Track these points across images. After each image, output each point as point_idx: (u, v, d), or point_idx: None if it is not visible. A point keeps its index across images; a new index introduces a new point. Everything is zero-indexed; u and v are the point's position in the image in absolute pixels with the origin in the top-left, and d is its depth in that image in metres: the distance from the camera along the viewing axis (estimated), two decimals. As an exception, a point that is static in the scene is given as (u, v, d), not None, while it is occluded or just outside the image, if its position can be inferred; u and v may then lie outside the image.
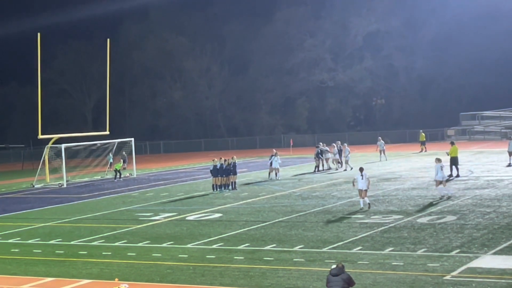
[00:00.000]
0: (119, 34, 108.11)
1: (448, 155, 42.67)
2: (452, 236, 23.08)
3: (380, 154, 57.89)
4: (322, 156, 51.59)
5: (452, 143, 43.24)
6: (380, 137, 61.04)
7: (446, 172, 35.52)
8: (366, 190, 30.18)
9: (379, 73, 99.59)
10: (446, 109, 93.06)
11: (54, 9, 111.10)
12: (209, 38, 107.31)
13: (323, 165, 51.69)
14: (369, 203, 30.36)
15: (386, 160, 56.49)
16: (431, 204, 30.25)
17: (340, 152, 52.47)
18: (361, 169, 30.58)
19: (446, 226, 24.83)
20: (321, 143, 53.48)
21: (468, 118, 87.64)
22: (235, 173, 41.66)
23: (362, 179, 29.97)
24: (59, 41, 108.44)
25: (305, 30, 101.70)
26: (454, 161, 41.81)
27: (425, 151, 64.51)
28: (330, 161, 52.13)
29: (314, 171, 50.83)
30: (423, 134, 67.57)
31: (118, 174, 54.55)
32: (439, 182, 32.49)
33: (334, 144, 53.30)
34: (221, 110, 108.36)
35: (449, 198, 31.90)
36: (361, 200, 30.39)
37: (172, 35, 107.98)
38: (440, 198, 31.96)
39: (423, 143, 66.06)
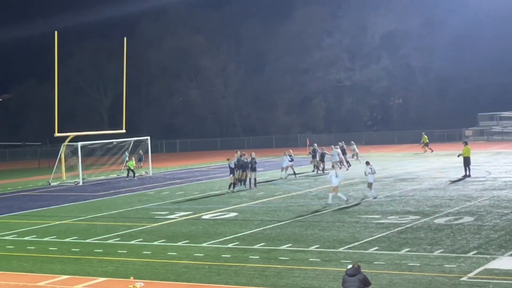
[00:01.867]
0: (136, 32, 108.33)
1: (459, 156, 42.73)
2: (469, 237, 22.90)
3: (353, 157, 56.01)
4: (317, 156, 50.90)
5: (465, 143, 43.10)
6: (353, 141, 59.74)
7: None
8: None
9: (396, 73, 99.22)
10: (464, 109, 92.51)
11: (72, 8, 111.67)
12: (226, 37, 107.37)
13: (320, 167, 50.72)
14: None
15: (359, 162, 53.05)
16: (448, 205, 30.05)
17: (343, 151, 51.95)
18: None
19: (463, 227, 24.64)
20: (315, 144, 53.27)
21: (486, 119, 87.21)
22: (254, 170, 41.47)
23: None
24: (76, 39, 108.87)
25: (322, 29, 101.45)
26: (466, 161, 41.66)
27: (425, 151, 65.25)
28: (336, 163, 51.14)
29: (313, 170, 50.35)
30: (426, 136, 67.72)
31: (131, 172, 54.48)
32: (370, 184, 33.67)
33: (342, 145, 52.87)
34: (238, 109, 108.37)
35: (375, 198, 33.10)
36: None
37: (189, 34, 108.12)
38: (372, 197, 33.33)
39: (426, 145, 66.43)
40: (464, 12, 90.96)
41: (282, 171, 47.89)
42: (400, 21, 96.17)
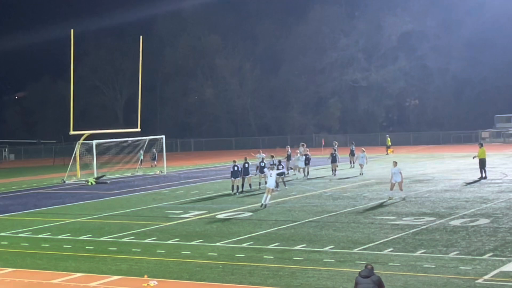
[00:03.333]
0: (151, 31, 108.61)
1: (474, 158, 42.54)
2: (485, 239, 22.72)
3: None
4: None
5: (481, 145, 42.88)
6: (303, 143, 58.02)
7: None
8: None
9: (413, 73, 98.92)
10: (481, 111, 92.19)
11: (88, 7, 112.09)
12: (242, 37, 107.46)
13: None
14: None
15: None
16: (464, 207, 29.86)
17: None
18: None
19: (479, 229, 24.46)
20: (288, 146, 53.16)
21: (503, 121, 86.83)
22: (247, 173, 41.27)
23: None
24: (93, 38, 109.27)
25: (339, 29, 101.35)
26: (482, 163, 41.45)
27: (387, 153, 67.08)
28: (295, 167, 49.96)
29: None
30: (389, 138, 69.85)
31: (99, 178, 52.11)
32: (393, 185, 33.57)
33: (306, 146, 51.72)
34: (253, 108, 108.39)
35: (391, 199, 33.11)
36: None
37: (204, 33, 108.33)
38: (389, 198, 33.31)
39: (388, 147, 68.46)
40: (481, 13, 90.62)
41: (299, 171, 47.68)
42: (416, 21, 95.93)
